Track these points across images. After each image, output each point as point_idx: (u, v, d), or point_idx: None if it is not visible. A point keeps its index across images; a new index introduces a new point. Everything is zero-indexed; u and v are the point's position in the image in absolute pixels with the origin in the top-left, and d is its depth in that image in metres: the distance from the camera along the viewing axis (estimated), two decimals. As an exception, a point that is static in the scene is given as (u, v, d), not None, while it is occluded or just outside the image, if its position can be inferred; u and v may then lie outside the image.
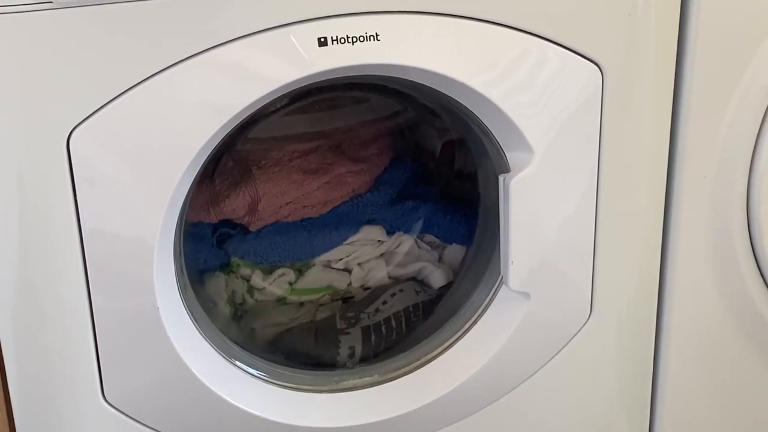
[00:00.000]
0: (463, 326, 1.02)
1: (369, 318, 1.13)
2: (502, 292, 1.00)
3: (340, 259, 1.16)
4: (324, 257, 1.16)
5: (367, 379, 1.02)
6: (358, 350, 1.10)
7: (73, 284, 0.86)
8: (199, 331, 0.94)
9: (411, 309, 1.13)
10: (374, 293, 1.15)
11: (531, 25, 0.87)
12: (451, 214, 1.17)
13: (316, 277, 1.16)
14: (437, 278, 1.15)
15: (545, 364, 1.03)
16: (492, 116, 0.90)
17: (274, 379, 0.99)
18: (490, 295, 1.01)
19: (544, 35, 0.88)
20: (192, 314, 0.93)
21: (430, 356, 1.02)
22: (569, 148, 0.92)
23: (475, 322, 1.01)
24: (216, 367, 0.95)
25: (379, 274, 1.16)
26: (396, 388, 1.01)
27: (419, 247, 1.18)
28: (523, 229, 0.94)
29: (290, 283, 1.15)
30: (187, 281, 0.97)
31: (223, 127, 0.83)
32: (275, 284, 1.14)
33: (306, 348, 1.11)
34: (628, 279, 1.03)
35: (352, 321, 1.12)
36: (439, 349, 1.02)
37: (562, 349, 1.02)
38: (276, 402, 0.97)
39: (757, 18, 0.94)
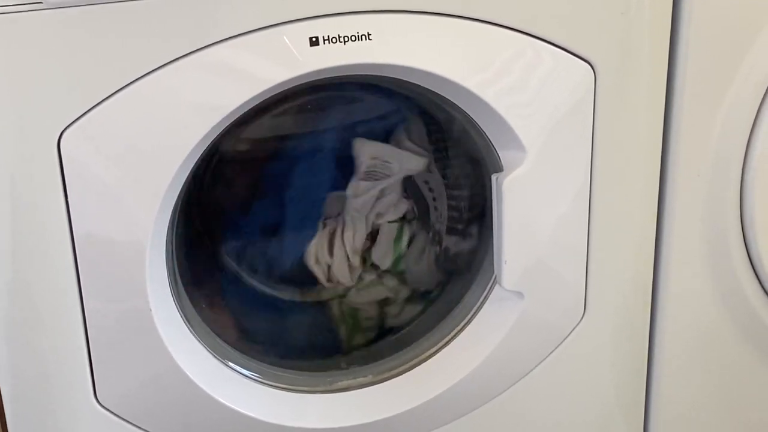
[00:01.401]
0: (456, 326, 1.02)
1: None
2: (496, 292, 0.99)
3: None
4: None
5: (361, 380, 1.01)
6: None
7: (65, 286, 0.86)
8: (191, 333, 0.94)
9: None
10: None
11: (524, 25, 0.87)
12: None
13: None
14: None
15: (539, 364, 1.03)
16: (485, 115, 0.90)
17: (267, 379, 0.99)
18: (484, 295, 1.01)
19: (537, 35, 0.88)
20: (185, 315, 0.93)
21: (423, 356, 1.02)
22: (562, 147, 0.92)
23: (468, 322, 1.01)
24: (209, 368, 0.94)
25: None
26: (390, 389, 1.01)
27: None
28: (517, 229, 0.94)
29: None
30: (180, 282, 0.97)
31: (214, 128, 0.82)
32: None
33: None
34: (622, 278, 1.03)
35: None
36: (433, 349, 1.02)
37: (556, 348, 1.02)
38: (269, 403, 0.97)
39: (750, 17, 0.94)
